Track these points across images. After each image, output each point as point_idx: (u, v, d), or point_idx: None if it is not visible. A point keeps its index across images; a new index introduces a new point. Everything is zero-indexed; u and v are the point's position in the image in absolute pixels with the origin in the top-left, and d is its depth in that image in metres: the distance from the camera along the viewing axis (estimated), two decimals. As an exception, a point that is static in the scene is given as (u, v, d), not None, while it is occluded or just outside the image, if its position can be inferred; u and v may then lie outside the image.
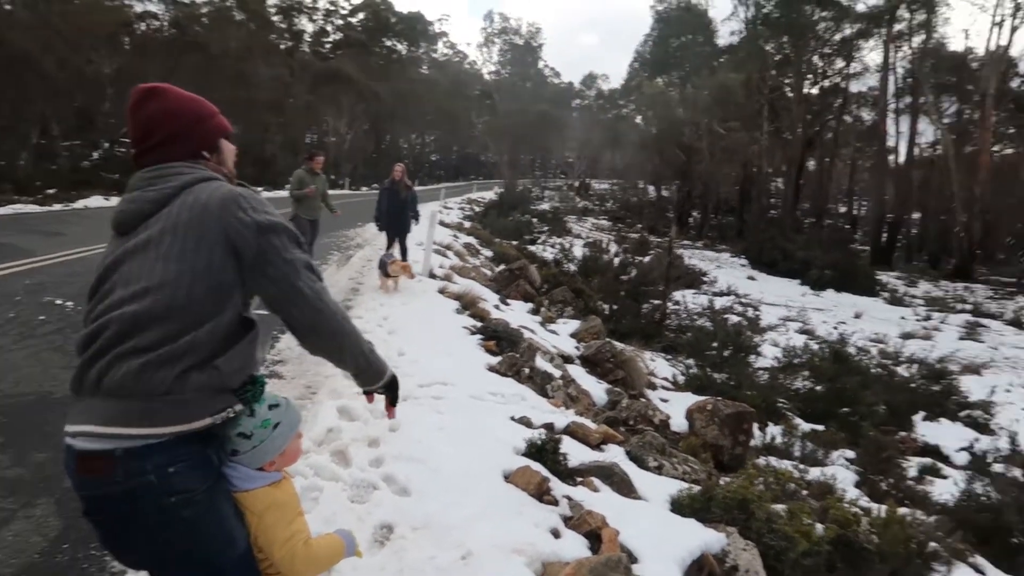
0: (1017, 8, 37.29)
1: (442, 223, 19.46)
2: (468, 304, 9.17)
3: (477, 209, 33.00)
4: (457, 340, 7.34)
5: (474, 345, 7.23)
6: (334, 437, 4.37)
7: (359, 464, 3.98)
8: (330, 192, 11.18)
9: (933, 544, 5.14)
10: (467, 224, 24.04)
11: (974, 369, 15.65)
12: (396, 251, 10.76)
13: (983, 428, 10.79)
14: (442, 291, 9.93)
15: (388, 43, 65.15)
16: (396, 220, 11.00)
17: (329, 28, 59.19)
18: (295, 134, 45.44)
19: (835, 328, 18.76)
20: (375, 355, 1.98)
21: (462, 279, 11.50)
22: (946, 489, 7.51)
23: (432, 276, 11.11)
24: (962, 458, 9.09)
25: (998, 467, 7.82)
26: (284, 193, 10.44)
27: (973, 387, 12.48)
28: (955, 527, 6.10)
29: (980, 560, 5.94)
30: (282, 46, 50.40)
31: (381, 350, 6.28)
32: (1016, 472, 7.41)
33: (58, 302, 7.11)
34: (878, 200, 45.60)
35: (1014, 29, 37.72)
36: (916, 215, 49.07)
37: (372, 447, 4.26)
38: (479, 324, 8.13)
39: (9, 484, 3.49)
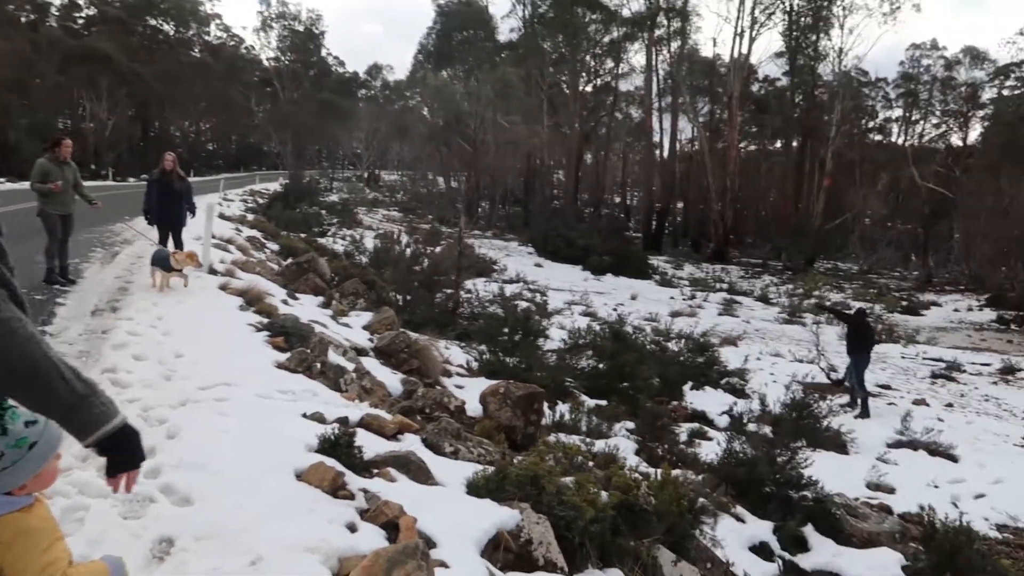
0: (754, 22, 42.27)
1: (222, 216, 18.29)
2: (253, 300, 8.71)
3: (261, 201, 31.36)
4: (241, 338, 6.94)
5: (260, 342, 6.89)
6: (100, 450, 3.95)
7: (131, 477, 3.64)
8: (91, 184, 10.12)
9: (702, 500, 5.70)
10: (250, 217, 22.76)
11: (731, 341, 17.59)
12: (170, 247, 9.97)
13: (740, 393, 12.18)
14: (223, 287, 9.34)
15: (153, 22, 59.80)
16: (169, 213, 10.22)
17: (81, 2, 53.17)
18: (44, 118, 40.39)
19: (614, 309, 20.19)
20: (86, 397, 1.54)
21: (246, 274, 10.89)
22: (711, 449, 8.37)
23: (212, 272, 10.41)
24: (724, 421, 10.18)
25: (752, 426, 8.83)
26: (28, 185, 9.27)
27: (731, 357, 14.01)
28: (719, 482, 6.83)
29: (740, 510, 6.70)
30: (23, 18, 44.50)
31: (156, 352, 5.76)
32: (766, 429, 8.41)
33: None
34: (647, 191, 49.64)
35: (752, 39, 42.74)
36: (680, 204, 54.09)
37: (147, 457, 3.91)
38: (266, 320, 7.75)
39: None
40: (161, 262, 8.74)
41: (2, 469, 1.59)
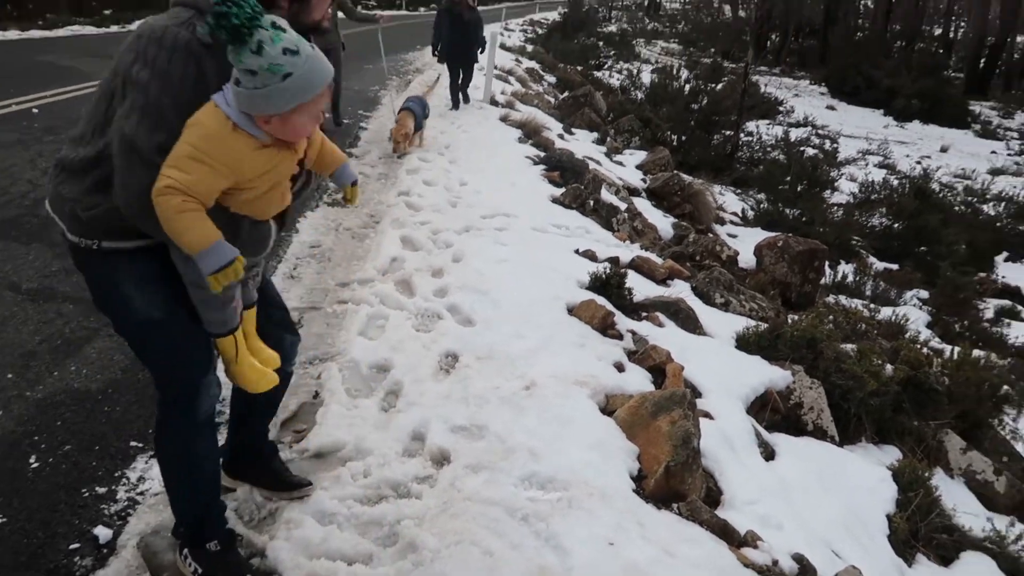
0: None
1: (503, 47, 18.57)
2: (531, 132, 8.86)
3: (540, 31, 31.29)
4: (520, 170, 7.14)
5: (537, 175, 7.04)
6: (398, 266, 4.37)
7: (423, 294, 3.98)
8: (386, 13, 10.63)
9: (1006, 387, 5.02)
10: (529, 48, 22.88)
11: (1068, 208, 14.72)
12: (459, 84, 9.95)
13: (1071, 270, 10.30)
14: (504, 119, 9.60)
15: None
16: (461, 49, 9.52)
17: None
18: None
19: (918, 163, 17.76)
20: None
21: (524, 106, 11.08)
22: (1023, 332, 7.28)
23: (494, 103, 10.71)
24: (1044, 301, 8.75)
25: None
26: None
27: (1065, 227, 11.77)
28: (1031, 371, 5.95)
29: (1054, 404, 5.81)
30: None
31: (443, 179, 6.11)
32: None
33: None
34: (981, 19, 41.43)
35: None
36: (1022, 38, 44.72)
37: (436, 277, 4.25)
38: (542, 154, 7.88)
39: (88, 305, 3.60)
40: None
41: (252, 88, 1.50)
